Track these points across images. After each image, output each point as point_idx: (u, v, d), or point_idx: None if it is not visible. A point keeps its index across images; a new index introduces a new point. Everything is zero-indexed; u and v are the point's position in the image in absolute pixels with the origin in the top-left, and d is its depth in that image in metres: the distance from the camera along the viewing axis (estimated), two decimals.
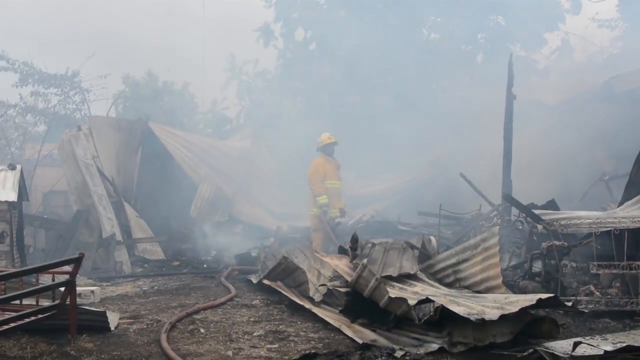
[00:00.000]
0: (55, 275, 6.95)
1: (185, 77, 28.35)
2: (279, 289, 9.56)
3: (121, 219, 14.99)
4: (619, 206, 10.03)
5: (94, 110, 25.42)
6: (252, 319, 8.28)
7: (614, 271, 8.43)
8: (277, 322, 8.07)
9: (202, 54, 32.99)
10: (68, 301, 6.68)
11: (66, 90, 24.64)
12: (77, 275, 6.97)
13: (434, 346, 6.36)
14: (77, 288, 7.11)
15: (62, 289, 6.73)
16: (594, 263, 8.52)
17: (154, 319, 8.29)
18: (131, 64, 28.91)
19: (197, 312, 8.66)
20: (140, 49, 32.83)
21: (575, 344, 5.80)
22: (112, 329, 7.45)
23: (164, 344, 6.65)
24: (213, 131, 24.59)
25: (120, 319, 8.16)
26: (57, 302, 6.71)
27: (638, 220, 8.54)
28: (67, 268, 6.92)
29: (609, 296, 8.48)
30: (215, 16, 34.82)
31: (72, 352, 6.40)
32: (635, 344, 5.95)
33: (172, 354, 6.30)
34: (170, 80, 27.79)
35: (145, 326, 7.85)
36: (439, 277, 8.56)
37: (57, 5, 39.28)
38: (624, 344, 5.87)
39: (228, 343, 6.95)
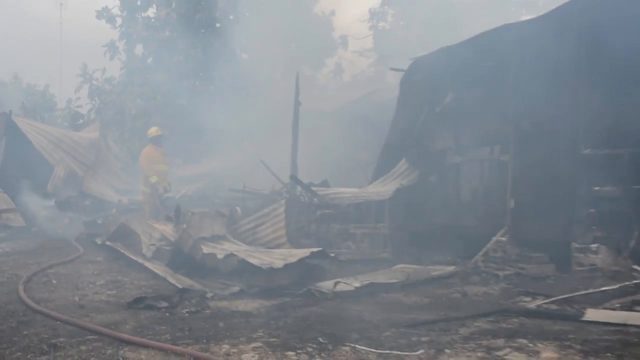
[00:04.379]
0: None
1: (46, 80, 27.41)
2: (118, 249, 9.16)
3: None
4: (369, 185, 10.74)
5: None
6: (95, 272, 7.91)
7: (365, 231, 9.05)
8: (115, 274, 7.76)
9: (59, 62, 31.09)
10: None
11: None
12: None
13: (236, 289, 6.46)
14: None
15: None
16: (352, 225, 9.08)
17: (13, 273, 7.73)
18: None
19: (50, 267, 8.12)
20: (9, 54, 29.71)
21: (336, 283, 6.21)
22: None
23: (21, 293, 6.27)
24: (68, 125, 23.21)
25: None
26: None
27: (381, 195, 9.21)
28: None
29: (361, 249, 9.06)
30: (72, 28, 32.37)
31: None
32: (376, 281, 6.49)
33: (27, 299, 5.96)
34: (34, 82, 26.82)
35: (5, 279, 7.34)
36: (242, 238, 8.67)
37: None
38: (368, 282, 6.38)
39: (75, 291, 6.66)
